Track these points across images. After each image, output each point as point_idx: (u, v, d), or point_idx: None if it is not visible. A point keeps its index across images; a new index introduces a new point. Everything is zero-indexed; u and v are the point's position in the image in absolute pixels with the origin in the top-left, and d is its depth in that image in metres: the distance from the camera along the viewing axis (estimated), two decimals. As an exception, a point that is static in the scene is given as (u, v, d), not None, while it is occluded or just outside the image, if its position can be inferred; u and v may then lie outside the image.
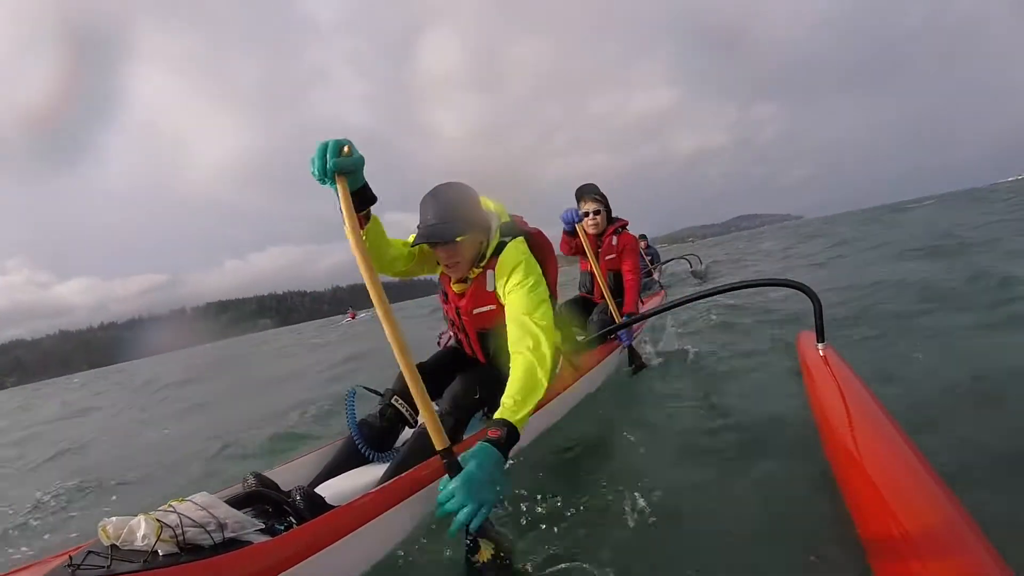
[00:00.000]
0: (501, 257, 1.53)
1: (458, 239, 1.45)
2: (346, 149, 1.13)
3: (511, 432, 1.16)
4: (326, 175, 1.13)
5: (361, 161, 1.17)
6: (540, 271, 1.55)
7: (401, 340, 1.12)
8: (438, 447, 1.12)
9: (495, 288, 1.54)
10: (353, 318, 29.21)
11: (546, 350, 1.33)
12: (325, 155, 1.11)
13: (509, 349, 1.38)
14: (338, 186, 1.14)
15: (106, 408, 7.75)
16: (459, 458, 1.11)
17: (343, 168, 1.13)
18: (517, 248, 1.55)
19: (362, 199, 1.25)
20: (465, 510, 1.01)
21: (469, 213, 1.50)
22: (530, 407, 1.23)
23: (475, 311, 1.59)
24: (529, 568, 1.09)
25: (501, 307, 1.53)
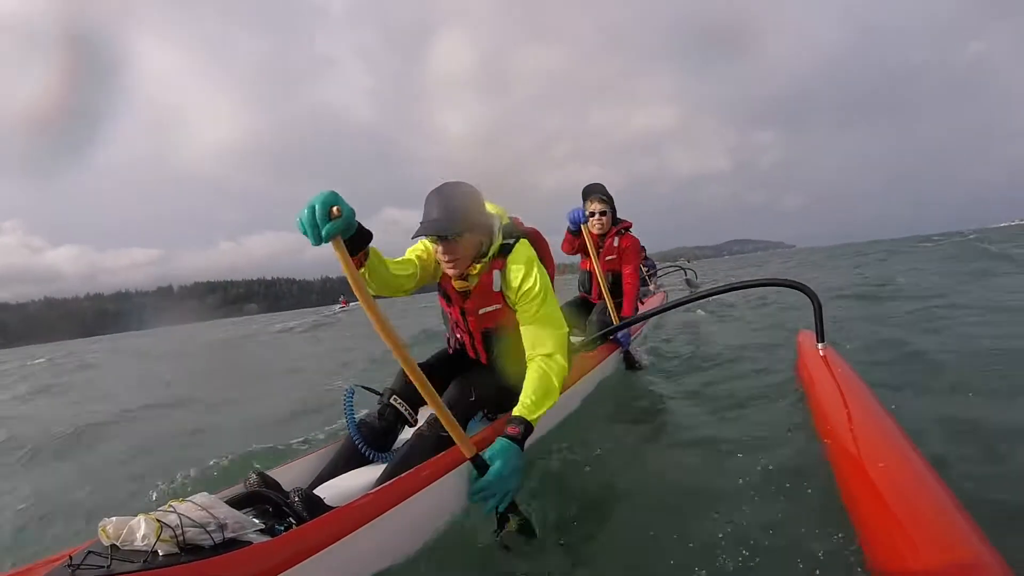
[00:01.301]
0: (509, 259, 1.55)
1: (460, 236, 1.46)
2: (335, 209, 1.06)
3: (527, 428, 1.36)
4: (321, 240, 1.07)
5: (351, 215, 1.10)
6: (547, 276, 1.58)
7: (410, 360, 1.20)
8: (467, 455, 1.27)
9: (501, 288, 1.56)
10: (345, 305, 29.70)
11: (560, 358, 1.49)
12: (315, 219, 1.04)
13: (526, 354, 1.52)
14: (335, 250, 1.10)
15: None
16: (484, 455, 1.28)
17: (337, 232, 1.07)
18: (525, 252, 1.57)
19: (358, 241, 1.22)
20: (494, 499, 1.24)
21: (472, 212, 1.51)
22: (544, 409, 1.41)
23: (481, 311, 1.59)
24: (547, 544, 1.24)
25: (507, 306, 1.56)
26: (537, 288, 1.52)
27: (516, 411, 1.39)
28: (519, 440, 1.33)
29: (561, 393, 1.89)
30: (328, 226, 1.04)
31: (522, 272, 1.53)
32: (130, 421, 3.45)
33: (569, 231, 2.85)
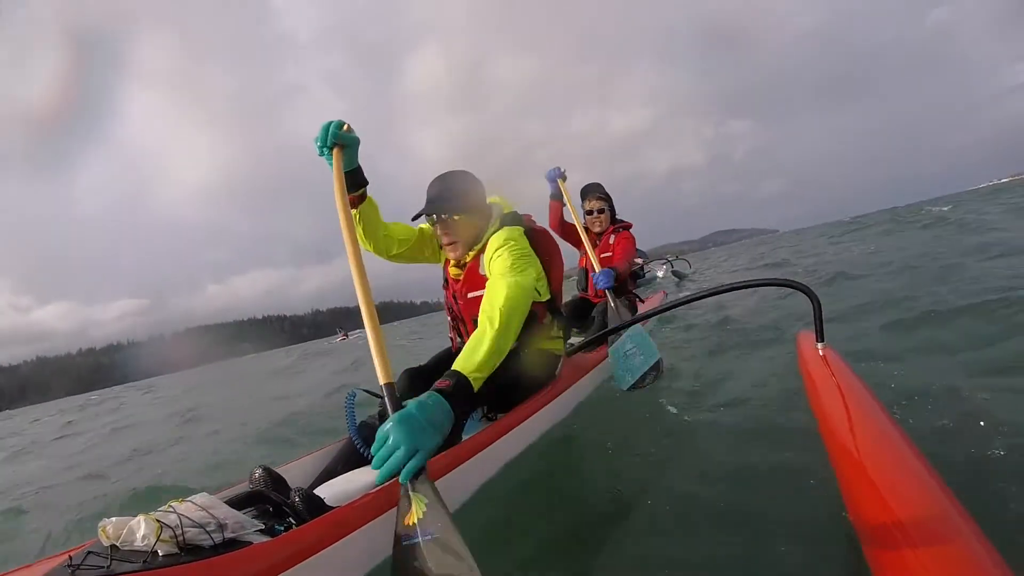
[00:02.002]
0: (490, 240, 1.54)
1: (455, 216, 1.51)
2: (346, 127, 1.32)
3: (461, 383, 1.11)
4: (326, 145, 1.31)
5: (357, 140, 1.36)
6: (526, 248, 1.51)
7: (372, 310, 1.17)
8: (382, 381, 1.08)
9: (485, 272, 1.55)
10: (345, 338, 29.53)
11: (497, 308, 1.25)
12: (327, 130, 1.30)
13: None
14: (333, 156, 1.31)
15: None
16: (404, 404, 1.04)
17: (341, 140, 1.32)
18: (508, 231, 1.53)
19: (355, 182, 1.42)
20: (398, 452, 0.92)
21: (470, 196, 1.56)
22: (479, 360, 1.15)
23: (469, 295, 1.60)
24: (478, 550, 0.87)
25: None
26: (499, 249, 1.44)
27: (453, 367, 1.16)
28: (448, 395, 1.08)
29: (560, 394, 1.81)
30: (335, 133, 1.29)
31: (495, 246, 1.47)
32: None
33: (552, 198, 2.97)
